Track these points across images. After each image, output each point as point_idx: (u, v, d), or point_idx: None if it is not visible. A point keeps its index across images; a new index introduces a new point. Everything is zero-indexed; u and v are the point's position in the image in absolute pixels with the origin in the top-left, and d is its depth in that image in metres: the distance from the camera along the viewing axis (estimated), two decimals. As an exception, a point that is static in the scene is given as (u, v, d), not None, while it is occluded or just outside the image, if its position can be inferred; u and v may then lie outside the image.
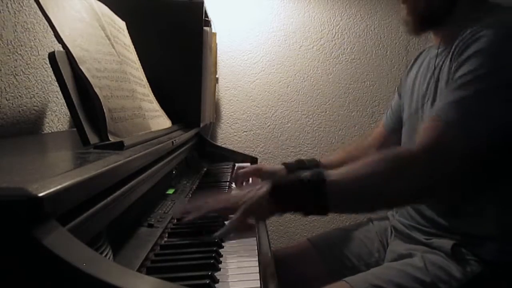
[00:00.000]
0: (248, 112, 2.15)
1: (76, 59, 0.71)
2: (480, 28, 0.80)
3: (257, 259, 0.68)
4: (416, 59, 1.11)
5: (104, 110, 0.73)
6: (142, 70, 1.12)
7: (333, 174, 0.77)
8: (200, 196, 0.93)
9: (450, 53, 0.85)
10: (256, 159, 1.59)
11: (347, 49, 2.16)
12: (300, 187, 0.76)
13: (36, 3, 0.68)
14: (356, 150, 1.27)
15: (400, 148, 0.79)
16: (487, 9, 0.88)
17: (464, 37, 0.82)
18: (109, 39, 0.91)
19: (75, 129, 0.69)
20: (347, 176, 0.78)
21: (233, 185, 1.22)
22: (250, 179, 1.22)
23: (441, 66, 0.91)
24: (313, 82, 2.16)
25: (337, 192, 0.76)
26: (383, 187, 0.77)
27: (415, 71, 1.07)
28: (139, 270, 0.61)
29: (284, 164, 1.20)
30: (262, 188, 0.80)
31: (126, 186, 0.63)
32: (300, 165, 1.19)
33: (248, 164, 1.53)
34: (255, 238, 0.78)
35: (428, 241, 0.93)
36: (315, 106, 2.17)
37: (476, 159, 0.76)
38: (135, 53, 1.11)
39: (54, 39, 0.71)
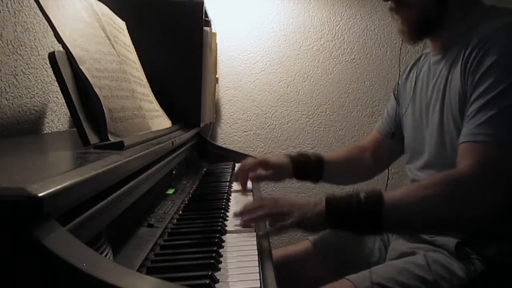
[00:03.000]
0: (248, 112, 2.15)
1: (76, 59, 0.71)
2: (488, 36, 0.80)
3: (257, 259, 0.68)
4: (414, 65, 1.11)
5: (104, 110, 0.73)
6: (142, 70, 1.12)
7: (390, 196, 0.78)
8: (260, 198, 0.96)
9: (461, 64, 0.85)
10: (256, 159, 1.59)
11: (347, 49, 2.16)
12: (357, 210, 0.77)
13: (36, 3, 0.68)
14: (354, 152, 1.26)
15: (450, 172, 0.80)
16: (484, 12, 0.88)
17: (474, 48, 0.82)
18: (109, 39, 0.91)
19: (75, 129, 0.69)
20: (404, 199, 0.78)
21: (234, 183, 1.21)
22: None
23: (448, 75, 0.91)
24: (313, 82, 2.16)
25: (394, 216, 0.77)
26: (442, 212, 0.77)
27: (414, 78, 1.06)
28: (139, 270, 0.61)
29: (289, 156, 1.17)
30: (318, 205, 0.80)
31: (126, 186, 0.63)
32: (305, 158, 1.18)
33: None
34: (255, 238, 0.78)
35: (431, 239, 0.93)
36: (315, 106, 2.17)
37: None
38: (135, 53, 1.11)
39: (54, 39, 0.71)
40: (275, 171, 1.13)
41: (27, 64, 1.07)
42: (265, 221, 0.86)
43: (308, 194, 2.17)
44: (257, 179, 1.15)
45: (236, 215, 0.87)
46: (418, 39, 0.97)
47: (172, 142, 0.96)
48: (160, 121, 1.11)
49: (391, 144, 1.16)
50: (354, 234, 0.81)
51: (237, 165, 1.47)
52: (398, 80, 1.17)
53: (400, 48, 1.11)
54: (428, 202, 0.77)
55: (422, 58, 1.09)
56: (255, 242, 0.76)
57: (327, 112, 2.18)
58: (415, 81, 1.05)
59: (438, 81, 0.94)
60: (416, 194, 0.78)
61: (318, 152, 2.17)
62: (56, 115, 1.24)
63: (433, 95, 0.95)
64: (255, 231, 0.81)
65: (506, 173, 0.76)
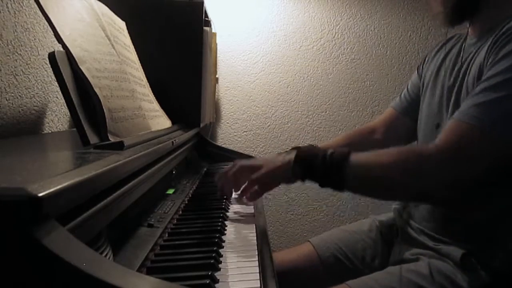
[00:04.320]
0: (248, 112, 2.15)
1: (76, 59, 0.71)
2: None
3: (257, 259, 0.68)
4: (444, 44, 1.06)
5: (104, 110, 0.73)
6: (142, 70, 1.12)
7: (357, 157, 0.81)
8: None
9: (487, 48, 0.83)
10: (256, 159, 1.59)
11: (347, 49, 2.16)
12: (321, 162, 0.82)
13: (36, 3, 0.68)
14: (359, 134, 1.22)
15: (421, 146, 0.84)
16: None
17: (501, 33, 0.80)
18: (109, 39, 0.91)
19: (75, 129, 0.69)
20: (368, 161, 0.81)
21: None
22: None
23: (471, 60, 0.88)
24: (313, 82, 2.16)
25: (356, 174, 0.80)
26: (399, 179, 0.78)
27: (442, 57, 1.02)
28: (139, 270, 0.61)
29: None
30: (288, 154, 0.88)
31: (126, 186, 0.63)
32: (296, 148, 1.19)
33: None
34: (255, 238, 0.78)
35: (436, 247, 0.89)
36: (315, 106, 2.17)
37: (499, 163, 0.75)
38: (135, 53, 1.11)
39: (54, 39, 0.71)
40: None
41: (27, 64, 1.07)
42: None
43: (309, 194, 2.18)
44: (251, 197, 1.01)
45: (218, 184, 0.98)
46: (456, 22, 0.94)
47: (172, 142, 0.96)
48: (160, 121, 1.11)
49: (406, 122, 1.13)
50: (318, 185, 0.85)
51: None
52: (426, 58, 1.12)
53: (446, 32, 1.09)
54: (385, 169, 0.79)
55: (454, 38, 1.04)
56: (255, 242, 0.76)
57: (327, 112, 2.18)
58: (442, 61, 1.02)
59: (465, 65, 0.91)
60: (380, 159, 0.80)
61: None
62: (56, 115, 1.23)
63: (458, 78, 0.92)
64: (255, 231, 0.81)
65: (469, 160, 0.75)
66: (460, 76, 0.91)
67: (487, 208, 0.85)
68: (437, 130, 0.96)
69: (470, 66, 0.88)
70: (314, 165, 0.83)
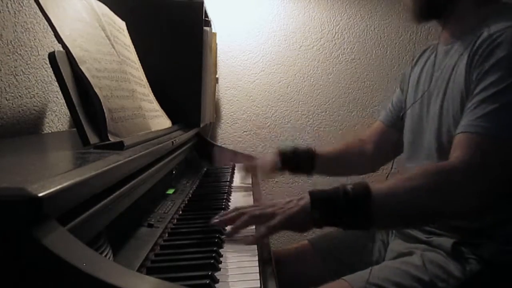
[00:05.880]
0: (248, 112, 2.15)
1: (76, 59, 0.71)
2: (500, 31, 0.80)
3: (257, 259, 0.68)
4: (420, 56, 1.10)
5: (104, 110, 0.73)
6: (142, 70, 1.12)
7: (377, 189, 0.76)
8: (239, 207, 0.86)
9: (468, 57, 0.84)
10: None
11: (347, 49, 2.16)
12: (345, 203, 0.74)
13: (36, 3, 0.68)
14: (353, 144, 1.26)
15: (440, 163, 0.81)
16: (498, 8, 0.88)
17: (482, 42, 0.82)
18: (109, 39, 0.91)
19: (75, 129, 0.69)
20: (390, 191, 0.77)
21: (233, 184, 1.22)
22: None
23: (453, 67, 0.90)
24: (313, 82, 2.16)
25: (381, 209, 0.75)
26: (428, 202, 0.76)
27: (420, 68, 1.06)
28: (139, 270, 0.61)
29: (279, 151, 1.19)
30: (302, 200, 0.77)
31: (126, 186, 0.63)
32: (293, 149, 1.20)
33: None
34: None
35: (428, 240, 0.93)
36: (315, 106, 2.17)
37: None
38: (135, 53, 1.11)
39: (54, 39, 0.71)
40: (261, 161, 1.19)
41: (27, 64, 1.07)
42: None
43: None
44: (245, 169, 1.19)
45: (214, 223, 0.79)
46: (423, 19, 0.97)
47: (172, 142, 0.96)
48: (160, 121, 1.11)
49: (394, 134, 1.15)
50: (340, 228, 0.78)
51: (237, 165, 1.47)
52: (405, 72, 1.17)
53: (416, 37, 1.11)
54: (414, 194, 0.76)
55: (429, 49, 1.08)
56: (255, 242, 0.76)
57: (327, 112, 2.18)
58: (420, 71, 1.05)
59: (444, 72, 0.93)
60: (403, 185, 0.77)
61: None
62: (56, 115, 1.23)
63: (437, 85, 0.95)
64: (255, 231, 0.81)
65: (493, 168, 0.76)
66: (438, 83, 0.94)
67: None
68: (420, 140, 0.98)
69: (449, 78, 0.90)
70: (336, 208, 0.75)
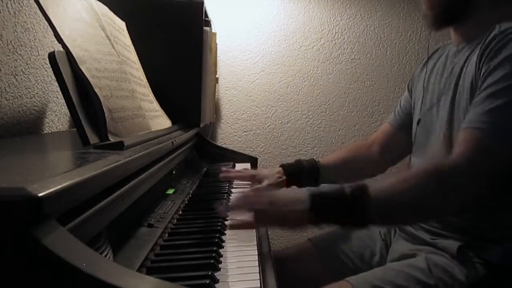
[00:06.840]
0: (248, 112, 2.15)
1: (76, 59, 0.71)
2: (508, 29, 0.80)
3: (257, 259, 0.68)
4: (430, 57, 1.09)
5: (104, 110, 0.73)
6: (142, 70, 1.12)
7: (374, 189, 0.76)
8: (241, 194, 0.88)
9: (478, 53, 0.84)
10: (256, 159, 1.59)
11: (347, 49, 2.16)
12: (342, 203, 0.75)
13: (36, 3, 0.68)
14: (358, 149, 1.26)
15: (440, 160, 0.81)
16: (510, 8, 0.87)
17: (493, 38, 0.81)
18: (109, 39, 0.91)
19: (75, 129, 0.69)
20: (388, 191, 0.77)
21: (234, 184, 1.22)
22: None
23: (464, 64, 0.90)
24: (313, 82, 2.16)
25: (379, 208, 0.75)
26: (427, 201, 0.77)
27: (430, 68, 1.05)
28: (139, 270, 0.61)
29: (282, 166, 1.20)
30: (302, 202, 0.76)
31: (126, 186, 0.63)
32: (297, 165, 1.19)
33: (248, 164, 1.52)
34: (255, 238, 0.78)
35: (433, 241, 0.91)
36: (315, 106, 2.17)
37: None
38: (135, 53, 1.11)
39: (54, 39, 0.71)
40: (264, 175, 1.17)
41: (27, 64, 1.07)
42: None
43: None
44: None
45: (222, 215, 0.84)
46: (442, 26, 0.96)
47: (172, 142, 0.96)
48: (160, 121, 1.11)
49: (402, 137, 1.14)
50: (339, 227, 0.80)
51: (237, 166, 1.47)
52: (413, 74, 1.16)
53: (428, 40, 1.11)
54: (412, 194, 0.76)
55: (439, 50, 1.08)
56: (255, 242, 0.76)
57: (327, 112, 2.18)
58: (430, 72, 1.04)
59: (454, 71, 0.93)
60: (401, 185, 0.77)
61: (317, 152, 2.18)
62: (56, 115, 1.23)
63: (447, 84, 0.94)
64: (255, 231, 0.81)
65: (494, 164, 0.76)
66: (448, 82, 0.93)
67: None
68: (429, 141, 0.98)
69: (459, 74, 0.90)
70: (334, 212, 0.76)
